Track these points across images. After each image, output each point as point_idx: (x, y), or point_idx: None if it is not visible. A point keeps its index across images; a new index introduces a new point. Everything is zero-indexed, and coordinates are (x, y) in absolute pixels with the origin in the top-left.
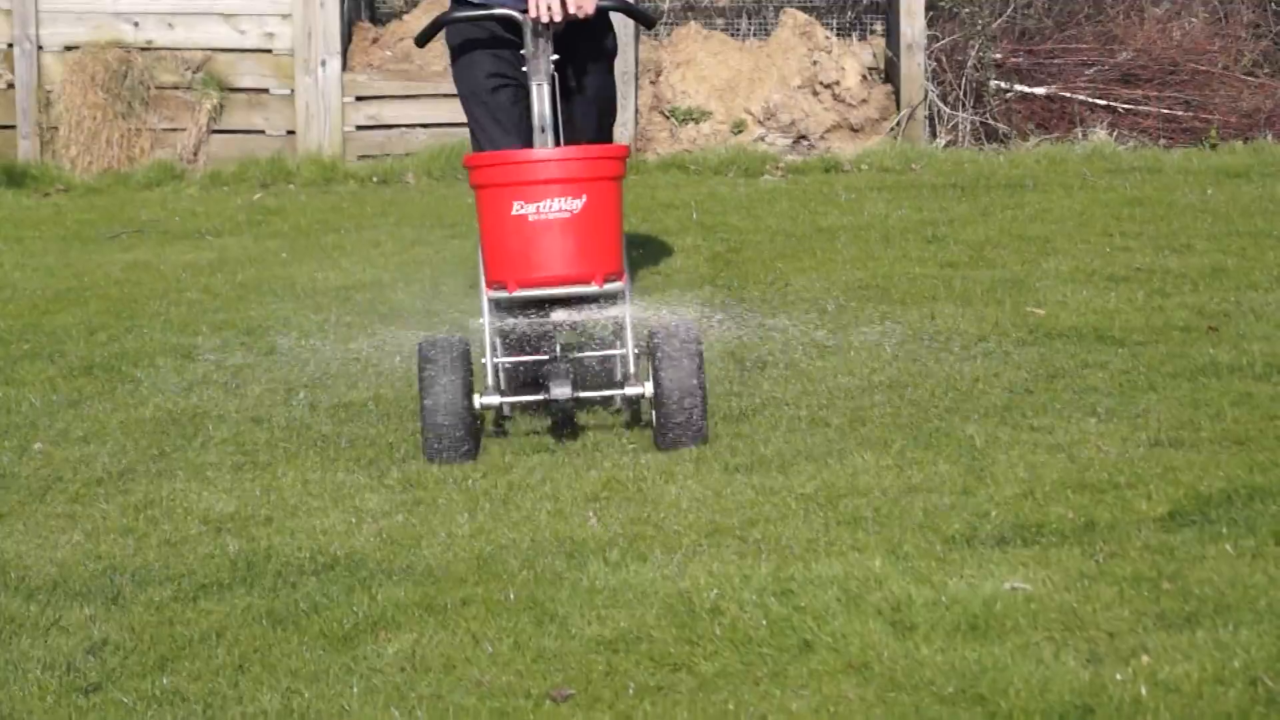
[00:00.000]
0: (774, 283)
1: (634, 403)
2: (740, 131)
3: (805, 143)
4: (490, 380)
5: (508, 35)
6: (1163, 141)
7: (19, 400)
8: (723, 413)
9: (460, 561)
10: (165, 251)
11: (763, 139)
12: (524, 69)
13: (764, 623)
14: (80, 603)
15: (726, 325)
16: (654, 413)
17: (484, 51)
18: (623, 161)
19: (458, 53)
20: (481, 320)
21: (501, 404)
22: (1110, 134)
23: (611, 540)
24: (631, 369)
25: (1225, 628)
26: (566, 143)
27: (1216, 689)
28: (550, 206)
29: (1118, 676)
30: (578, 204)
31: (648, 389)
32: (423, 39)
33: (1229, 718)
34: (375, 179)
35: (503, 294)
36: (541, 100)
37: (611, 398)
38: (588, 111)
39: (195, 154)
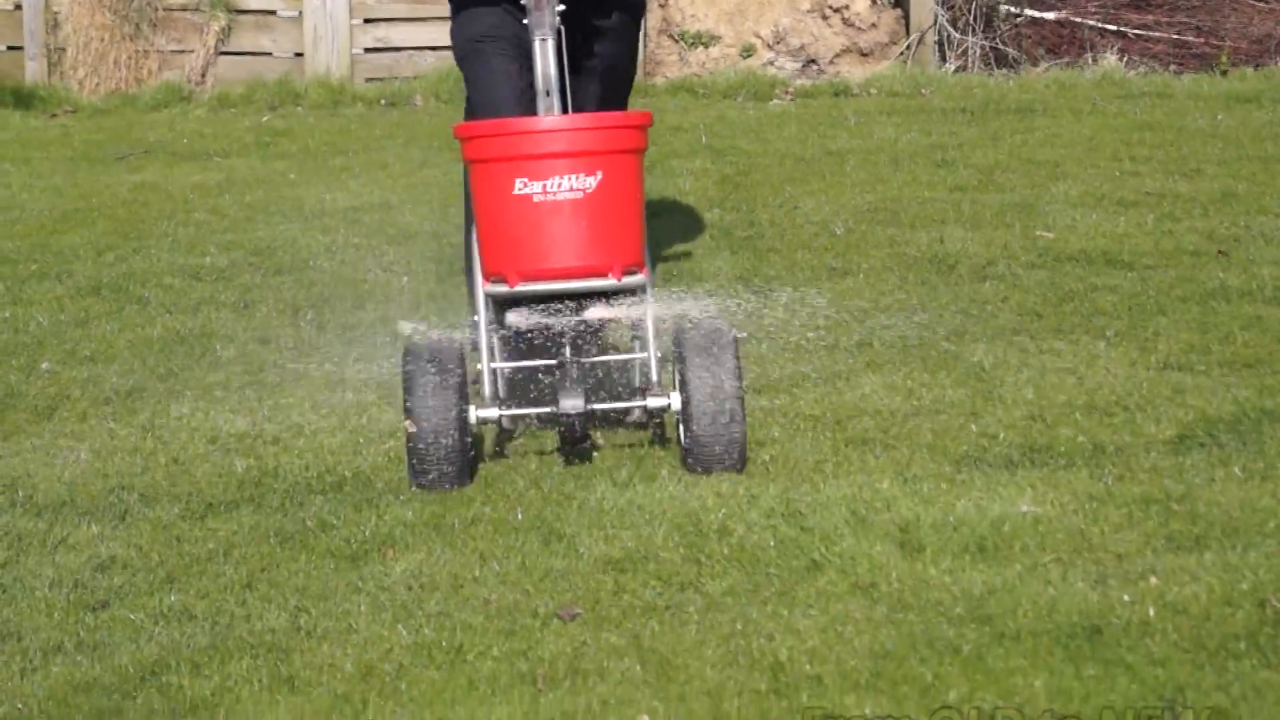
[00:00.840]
0: (783, 205)
1: (657, 416)
2: (749, 55)
3: (814, 67)
4: (488, 390)
5: None
6: (1173, 67)
7: (26, 320)
8: None
9: None
10: (173, 173)
11: (772, 63)
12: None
13: (772, 543)
14: (88, 521)
15: (738, 252)
16: (681, 429)
17: (484, 8)
18: (645, 131)
19: (456, 6)
20: (475, 319)
21: (501, 418)
22: (1120, 60)
23: (619, 461)
24: (654, 376)
25: (1234, 550)
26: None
27: (1224, 610)
28: (559, 185)
29: (1125, 598)
30: (592, 182)
31: (674, 401)
32: None
33: (1237, 639)
34: (383, 101)
35: (503, 288)
36: (545, 58)
37: (630, 410)
38: (589, 85)
39: (203, 76)
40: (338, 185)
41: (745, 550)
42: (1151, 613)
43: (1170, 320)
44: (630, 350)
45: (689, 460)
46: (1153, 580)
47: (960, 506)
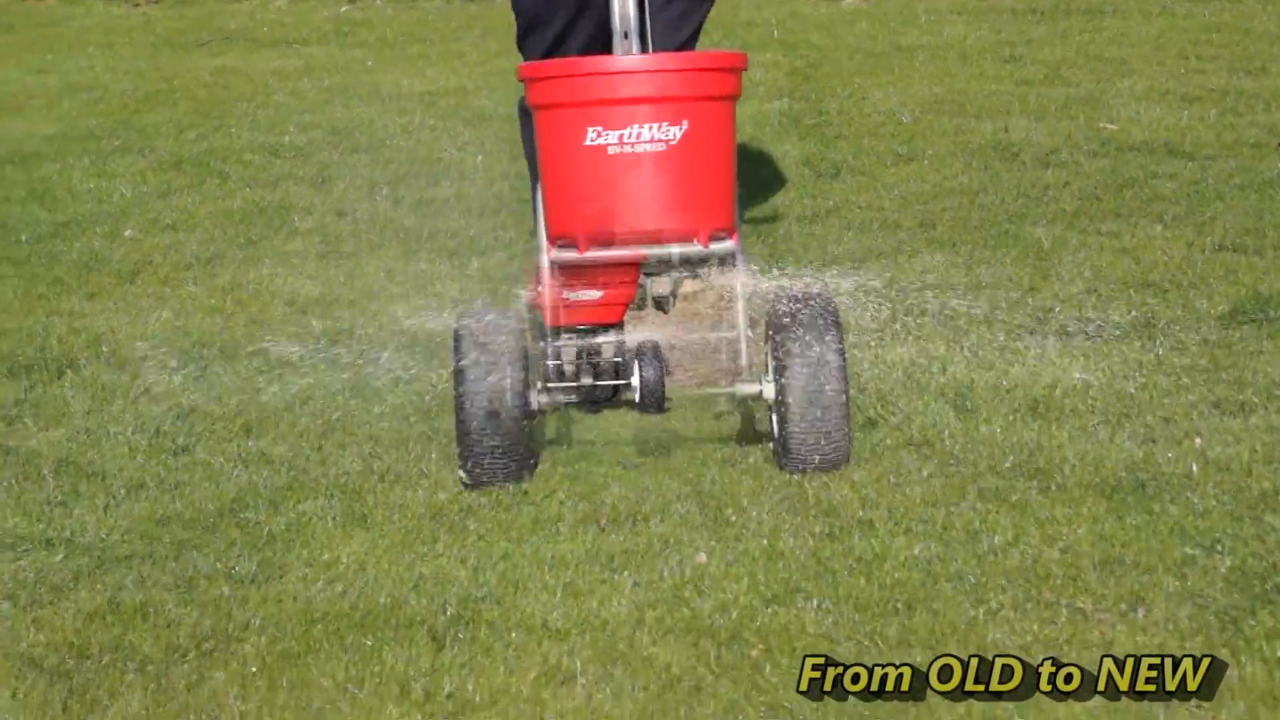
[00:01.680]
0: (851, 96)
1: (747, 404)
2: None
3: None
4: (552, 369)
5: None
6: None
7: (110, 191)
8: (796, 214)
9: None
10: (253, 58)
11: None
12: None
13: None
14: (169, 374)
15: (805, 138)
16: (773, 420)
17: None
18: (738, 76)
19: None
20: (540, 288)
21: (565, 402)
22: None
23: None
24: (744, 359)
25: (1278, 414)
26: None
27: (1265, 469)
28: (638, 135)
29: (1170, 455)
30: (676, 132)
31: (766, 388)
32: None
33: (1277, 494)
34: None
35: (570, 254)
36: None
37: (715, 397)
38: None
39: None
40: (414, 72)
41: None
42: (1195, 469)
43: (1227, 206)
44: (716, 327)
45: (782, 460)
46: (1197, 440)
47: (1015, 372)
